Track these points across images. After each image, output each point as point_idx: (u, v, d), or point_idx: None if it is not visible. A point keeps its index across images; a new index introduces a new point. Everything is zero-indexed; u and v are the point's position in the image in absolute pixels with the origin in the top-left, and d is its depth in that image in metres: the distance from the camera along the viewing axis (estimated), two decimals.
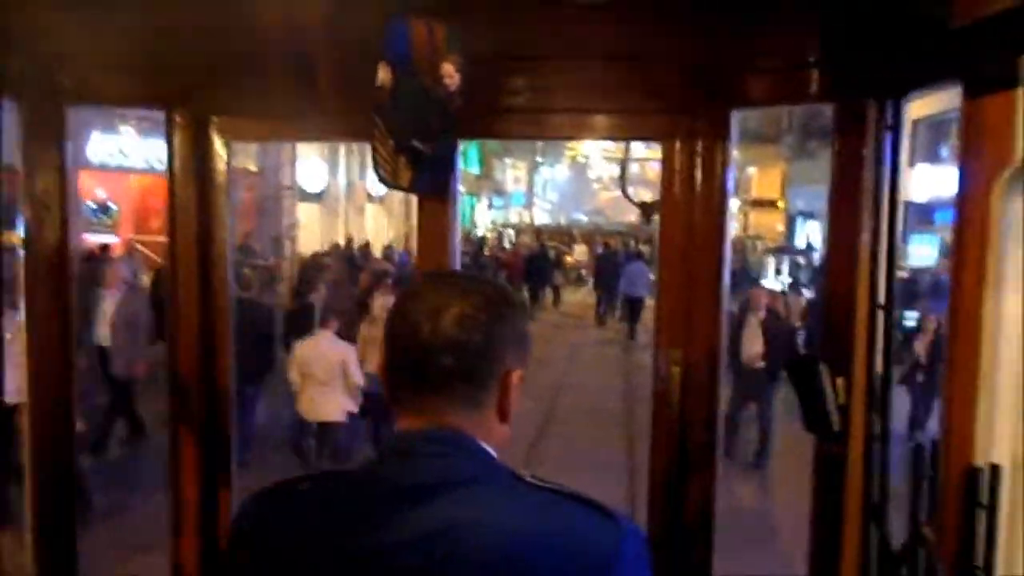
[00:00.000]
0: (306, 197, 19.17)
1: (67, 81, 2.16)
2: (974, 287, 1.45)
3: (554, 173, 51.59)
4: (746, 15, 1.93)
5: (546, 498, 1.05)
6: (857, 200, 1.81)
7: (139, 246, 13.73)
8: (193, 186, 2.29)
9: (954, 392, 1.48)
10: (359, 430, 7.23)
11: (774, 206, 28.15)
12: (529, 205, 46.56)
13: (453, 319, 1.05)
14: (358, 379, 6.85)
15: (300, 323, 8.14)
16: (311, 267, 12.75)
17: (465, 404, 1.07)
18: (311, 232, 18.96)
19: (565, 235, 30.63)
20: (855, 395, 1.82)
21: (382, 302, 7.59)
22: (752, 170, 28.98)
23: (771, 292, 10.25)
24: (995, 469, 1.34)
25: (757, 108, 2.14)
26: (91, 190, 13.96)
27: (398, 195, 23.70)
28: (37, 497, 2.20)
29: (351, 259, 15.79)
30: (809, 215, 24.44)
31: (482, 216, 35.28)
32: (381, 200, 23.40)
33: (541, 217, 46.80)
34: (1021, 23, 1.31)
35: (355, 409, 6.95)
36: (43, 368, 2.20)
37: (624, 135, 2.40)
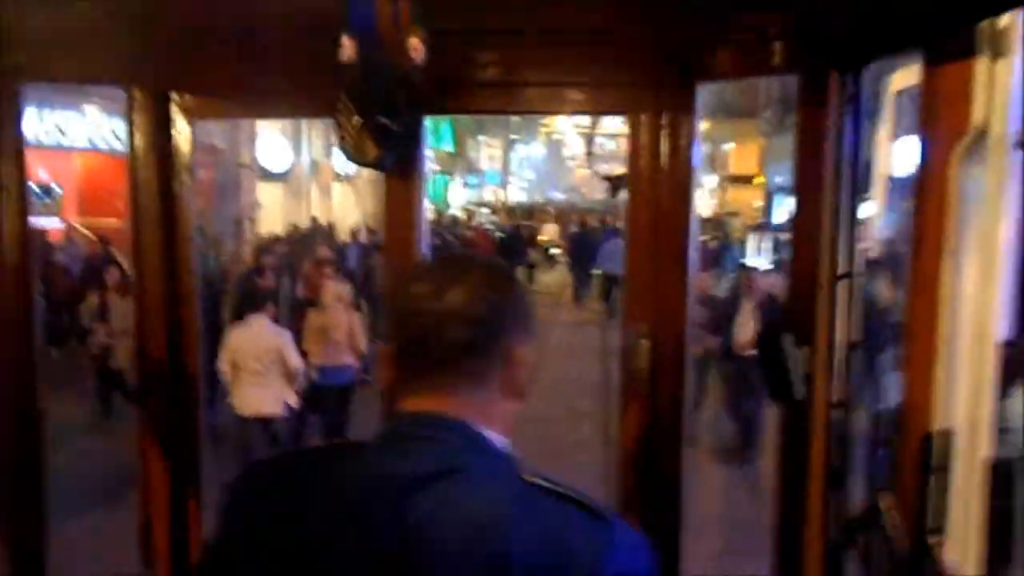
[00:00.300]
0: (268, 177, 18.34)
1: (21, 58, 2.11)
2: (933, 256, 1.47)
3: (530, 151, 50.70)
4: None
5: (538, 493, 1.02)
6: (820, 171, 1.83)
7: (81, 229, 13.12)
8: (155, 166, 2.26)
9: (913, 360, 1.50)
10: (307, 424, 6.89)
11: (751, 182, 27.66)
12: (504, 184, 45.71)
13: (459, 293, 1.04)
14: (297, 365, 6.47)
15: (246, 311, 7.35)
16: (263, 250, 11.62)
17: (470, 381, 1.05)
18: (273, 214, 18.22)
19: (542, 213, 29.85)
20: (817, 364, 1.85)
21: (334, 290, 7.32)
22: (729, 146, 28.65)
23: (765, 274, 9.59)
24: (947, 434, 1.37)
25: (722, 81, 2.15)
26: (33, 170, 13.13)
27: (366, 174, 23.14)
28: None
29: (307, 241, 14.69)
30: (788, 191, 24.16)
31: (456, 195, 34.55)
32: (349, 179, 22.59)
33: (517, 195, 46.09)
34: None
35: (294, 401, 6.55)
36: (6, 355, 2.16)
37: (593, 109, 2.41)
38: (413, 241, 2.19)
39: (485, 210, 30.94)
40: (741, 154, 28.20)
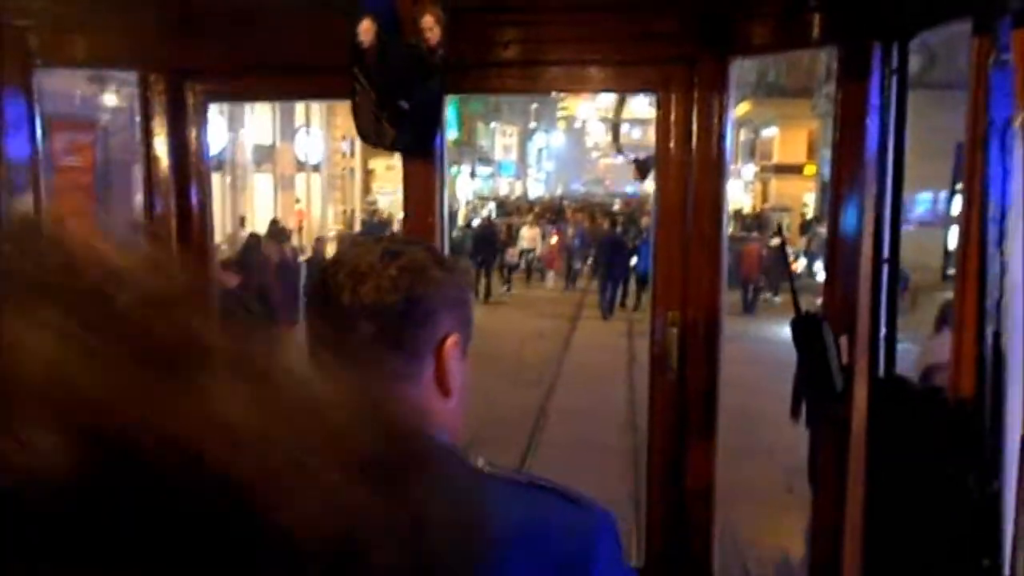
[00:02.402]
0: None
1: (34, 42, 2.07)
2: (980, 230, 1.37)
3: (549, 140, 48.35)
4: None
5: (508, 488, 0.96)
6: (862, 150, 1.73)
7: None
8: (169, 149, 2.20)
9: (963, 328, 1.40)
10: None
11: (801, 172, 23.58)
12: (521, 175, 43.13)
13: (373, 284, 0.96)
14: None
15: None
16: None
17: (396, 379, 0.96)
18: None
19: (519, 211, 25.00)
20: (858, 354, 1.76)
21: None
22: (773, 131, 24.86)
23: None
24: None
25: (757, 56, 2.05)
26: None
27: (345, 162, 20.68)
28: None
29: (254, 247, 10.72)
30: None
31: (465, 187, 31.00)
32: (316, 168, 18.84)
33: (534, 188, 43.73)
34: None
35: None
36: None
37: (619, 87, 2.32)
38: (434, 226, 2.12)
39: (492, 204, 27.50)
40: (787, 140, 24.42)
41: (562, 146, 51.16)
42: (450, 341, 0.98)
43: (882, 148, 1.63)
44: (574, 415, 7.51)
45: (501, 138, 39.26)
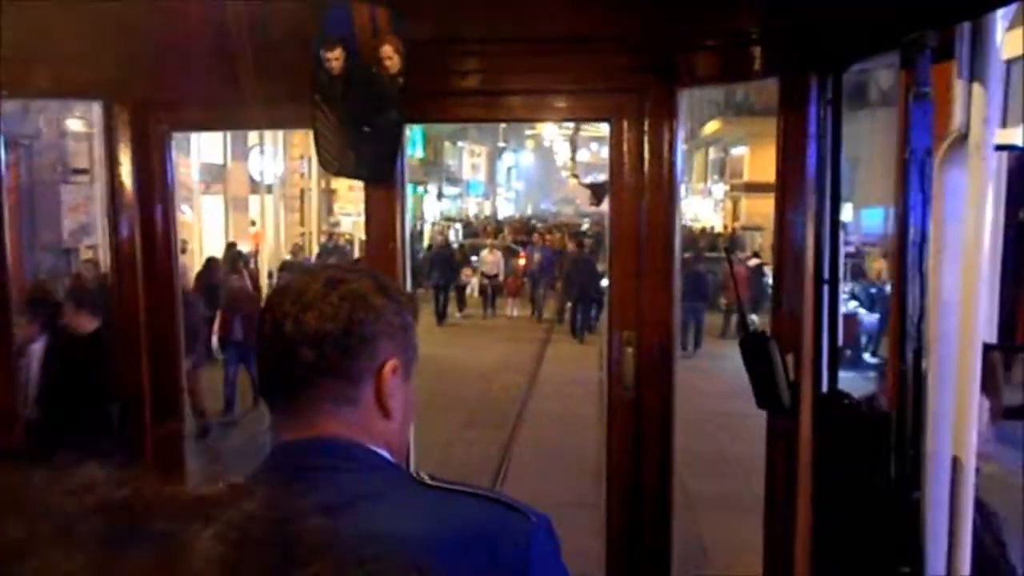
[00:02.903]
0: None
1: (3, 73, 2.09)
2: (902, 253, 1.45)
3: (518, 159, 48.20)
4: None
5: (449, 498, 1.00)
6: (803, 175, 1.82)
7: None
8: (134, 178, 2.24)
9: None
10: None
11: (772, 190, 23.00)
12: (490, 195, 42.44)
13: (315, 311, 1.00)
14: None
15: None
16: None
17: (338, 402, 1.01)
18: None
19: (520, 230, 24.06)
20: (804, 371, 1.83)
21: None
22: (743, 149, 24.51)
23: None
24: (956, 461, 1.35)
25: (703, 87, 2.14)
26: None
27: (304, 182, 19.04)
28: None
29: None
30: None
31: (432, 208, 30.15)
32: (270, 189, 17.15)
33: (505, 208, 42.83)
34: None
35: None
36: None
37: (574, 116, 2.40)
38: (396, 252, 2.17)
39: (458, 225, 26.38)
40: (758, 158, 23.51)
41: (531, 165, 51.03)
42: (388, 366, 1.02)
43: (820, 174, 1.72)
44: (539, 463, 7.00)
45: (469, 157, 38.65)
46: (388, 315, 1.04)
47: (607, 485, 2.16)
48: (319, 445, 1.01)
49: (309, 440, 1.01)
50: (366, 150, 2.04)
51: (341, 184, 21.01)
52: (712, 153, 30.45)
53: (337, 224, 21.64)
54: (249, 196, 16.81)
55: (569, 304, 14.34)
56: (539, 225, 27.02)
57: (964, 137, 1.43)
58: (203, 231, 15.24)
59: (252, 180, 16.31)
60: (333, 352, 1.00)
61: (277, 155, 17.17)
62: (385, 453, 1.03)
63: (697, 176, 33.52)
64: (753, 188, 24.17)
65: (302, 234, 19.34)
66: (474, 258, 17.56)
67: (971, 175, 1.41)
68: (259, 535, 0.40)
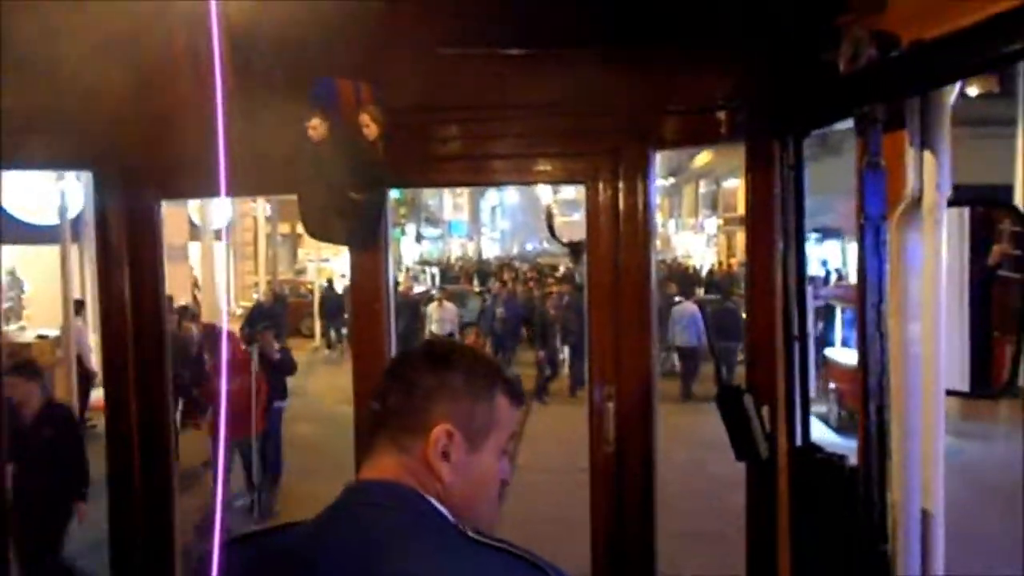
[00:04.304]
0: (26, 235, 9.60)
1: None
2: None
3: (503, 198, 47.56)
4: (661, 63, 2.03)
5: (479, 551, 1.10)
6: (770, 237, 1.89)
7: None
8: (126, 247, 2.29)
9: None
10: None
11: None
12: (474, 235, 41.58)
13: (391, 374, 1.23)
14: None
15: None
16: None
17: (399, 450, 1.17)
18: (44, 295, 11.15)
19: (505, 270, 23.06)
20: (779, 423, 1.89)
21: None
22: (734, 182, 24.40)
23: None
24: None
25: (673, 149, 2.23)
26: None
27: (246, 229, 18.06)
28: None
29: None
30: (825, 233, 19.15)
31: (410, 251, 29.03)
32: (218, 236, 15.58)
33: (490, 248, 42.03)
34: (902, 72, 1.41)
35: None
36: None
37: (553, 179, 2.48)
38: (381, 312, 2.23)
39: (432, 269, 25.38)
40: None
41: (516, 204, 50.23)
42: (440, 428, 1.16)
43: (786, 236, 1.79)
44: None
45: (451, 196, 37.42)
46: (454, 380, 1.18)
47: (592, 549, 2.19)
48: (376, 486, 1.16)
49: (370, 481, 1.17)
50: (351, 217, 2.10)
51: None
52: (703, 186, 30.08)
53: (303, 271, 20.99)
54: (188, 243, 15.04)
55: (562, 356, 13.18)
56: (505, 267, 24.87)
57: (918, 201, 1.52)
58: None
59: (192, 225, 14.68)
60: (392, 405, 1.19)
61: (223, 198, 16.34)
62: (435, 502, 1.15)
63: (688, 211, 32.88)
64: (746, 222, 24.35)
65: (255, 284, 17.85)
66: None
67: (925, 237, 1.49)
68: None
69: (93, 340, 10.09)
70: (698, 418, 8.84)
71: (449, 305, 15.21)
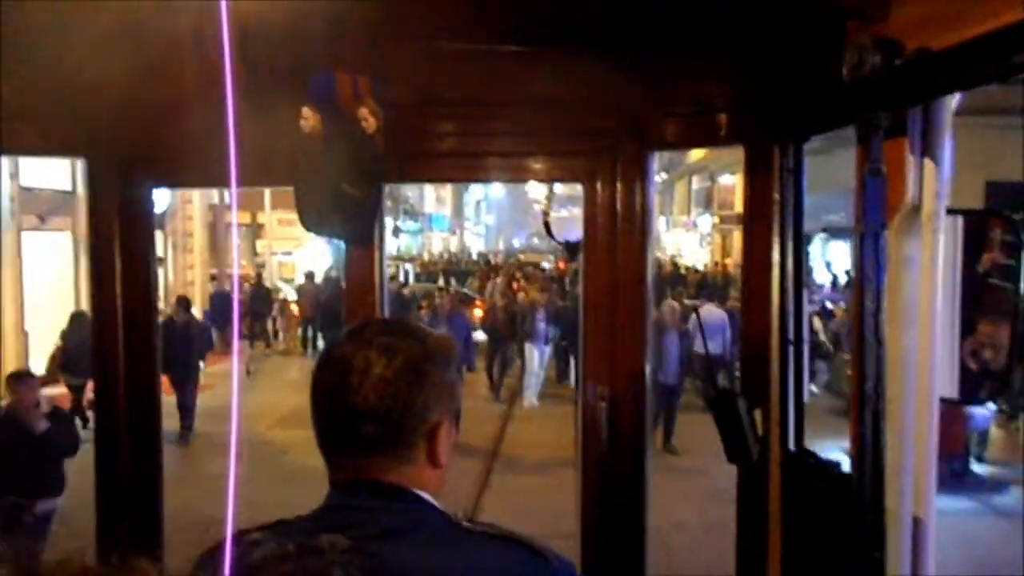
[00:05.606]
0: None
1: None
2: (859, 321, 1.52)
3: (488, 191, 44.79)
4: (662, 64, 2.02)
5: (480, 540, 1.11)
6: (768, 239, 1.89)
7: None
8: (118, 234, 2.27)
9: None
10: None
11: None
12: (457, 230, 39.27)
13: (373, 387, 1.09)
14: None
15: None
16: None
17: (395, 461, 1.13)
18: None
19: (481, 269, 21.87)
20: (771, 426, 1.89)
21: None
22: (730, 178, 22.81)
23: None
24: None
25: (672, 150, 2.23)
26: None
27: (207, 223, 16.25)
28: None
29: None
30: (832, 233, 17.76)
31: (388, 245, 27.77)
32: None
33: (474, 243, 39.76)
34: (905, 80, 1.41)
35: None
36: None
37: (550, 177, 2.47)
38: (374, 303, 2.22)
39: (408, 266, 23.87)
40: None
41: (503, 197, 47.84)
42: (440, 428, 1.14)
43: (783, 240, 1.79)
44: None
45: (433, 189, 34.95)
46: (437, 380, 1.14)
47: (581, 550, 2.19)
48: (369, 485, 1.12)
49: (361, 481, 1.12)
50: (348, 212, 2.08)
51: (272, 217, 18.57)
52: (696, 182, 28.70)
53: (263, 266, 19.01)
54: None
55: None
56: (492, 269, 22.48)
57: (917, 209, 1.52)
58: (21, 279, 11.74)
59: None
60: (391, 429, 1.11)
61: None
62: (429, 498, 1.14)
63: (679, 208, 31.24)
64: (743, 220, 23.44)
65: (192, 281, 15.59)
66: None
67: (923, 244, 1.49)
68: None
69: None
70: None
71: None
